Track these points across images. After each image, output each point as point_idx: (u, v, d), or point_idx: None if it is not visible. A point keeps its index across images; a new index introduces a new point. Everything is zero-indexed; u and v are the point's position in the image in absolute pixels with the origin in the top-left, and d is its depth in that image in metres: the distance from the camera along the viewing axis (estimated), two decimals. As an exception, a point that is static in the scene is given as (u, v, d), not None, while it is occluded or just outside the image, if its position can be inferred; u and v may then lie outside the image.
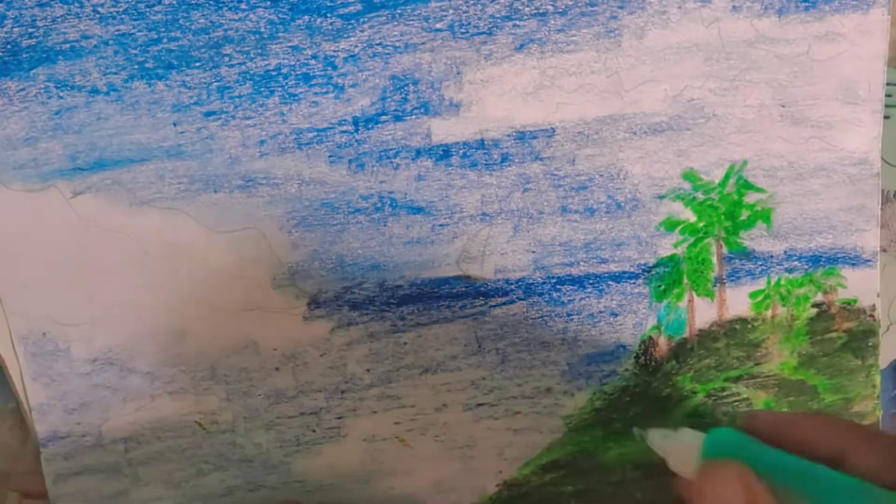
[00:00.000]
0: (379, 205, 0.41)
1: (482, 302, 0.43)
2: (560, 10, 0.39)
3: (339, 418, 0.44)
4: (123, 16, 0.38)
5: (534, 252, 0.42)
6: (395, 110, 0.40)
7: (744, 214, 0.42)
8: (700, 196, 0.42)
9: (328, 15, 0.39)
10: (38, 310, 0.41)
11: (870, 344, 0.44)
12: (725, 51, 0.40)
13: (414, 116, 0.40)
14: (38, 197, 0.40)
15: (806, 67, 0.40)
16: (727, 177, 0.42)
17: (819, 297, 0.44)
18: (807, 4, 0.40)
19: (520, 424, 0.44)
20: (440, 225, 0.42)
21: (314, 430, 0.44)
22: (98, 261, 0.41)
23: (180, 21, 0.38)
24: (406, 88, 0.40)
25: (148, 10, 0.38)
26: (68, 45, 0.38)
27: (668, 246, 0.43)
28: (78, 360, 0.42)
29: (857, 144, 0.41)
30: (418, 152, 0.41)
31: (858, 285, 0.43)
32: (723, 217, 0.42)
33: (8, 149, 0.39)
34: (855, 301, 0.44)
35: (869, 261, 0.43)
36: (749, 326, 0.43)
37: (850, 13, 0.40)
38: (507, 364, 0.43)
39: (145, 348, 0.42)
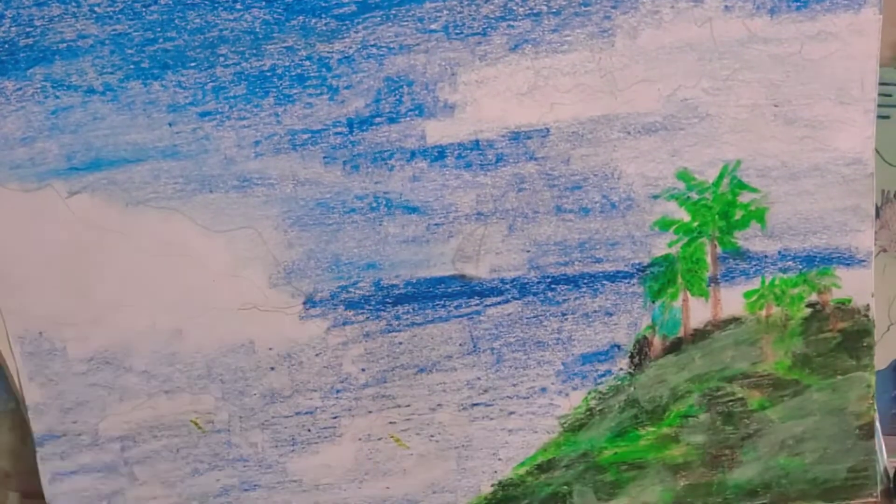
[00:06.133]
0: (374, 205, 0.41)
1: (477, 301, 0.43)
2: (554, 10, 0.39)
3: (335, 418, 0.44)
4: (120, 15, 0.38)
5: (529, 251, 0.42)
6: (389, 112, 0.40)
7: (738, 214, 0.42)
8: (694, 196, 0.42)
9: (323, 15, 0.39)
10: (33, 309, 0.41)
11: (864, 344, 0.44)
12: (718, 50, 0.40)
13: (409, 118, 0.40)
14: (34, 196, 0.40)
15: (799, 67, 0.40)
16: (721, 176, 0.42)
17: (813, 297, 0.43)
18: (798, 4, 0.40)
19: (515, 424, 0.44)
20: (435, 224, 0.42)
21: (309, 430, 0.44)
22: (94, 260, 0.41)
23: (176, 21, 0.39)
24: (400, 90, 0.40)
25: (144, 9, 0.38)
26: (65, 45, 0.38)
27: (662, 245, 0.43)
28: (74, 360, 0.42)
29: (851, 144, 0.41)
30: (413, 154, 0.41)
31: (853, 285, 0.43)
32: (717, 217, 0.42)
33: (4, 148, 0.39)
34: (849, 301, 0.44)
35: (863, 261, 0.43)
36: (743, 326, 0.43)
37: (841, 13, 0.40)
38: (502, 364, 0.44)
39: (141, 347, 0.42)
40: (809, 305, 0.44)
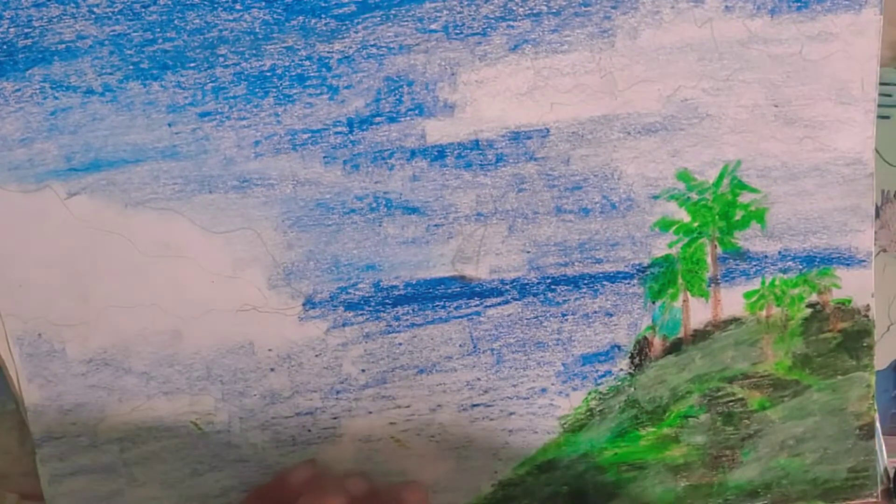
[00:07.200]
0: (374, 205, 0.41)
1: (477, 302, 0.43)
2: (554, 10, 0.39)
3: (335, 419, 0.44)
4: (119, 16, 0.38)
5: (529, 252, 0.42)
6: (389, 111, 0.40)
7: (738, 214, 0.42)
8: (694, 196, 0.42)
9: (322, 16, 0.39)
10: (33, 311, 0.41)
11: (864, 344, 0.44)
12: (718, 51, 0.40)
13: (408, 118, 0.40)
14: (33, 197, 0.40)
15: (799, 67, 0.40)
16: (721, 177, 0.42)
17: (813, 298, 0.44)
18: (799, 4, 0.40)
19: (515, 425, 0.44)
20: (435, 225, 0.42)
21: (309, 431, 0.44)
22: (93, 261, 0.41)
23: (175, 21, 0.38)
24: (400, 90, 0.40)
25: (143, 10, 0.38)
26: (64, 46, 0.38)
27: (662, 246, 0.43)
28: (73, 361, 0.42)
29: (851, 144, 0.42)
30: (413, 153, 0.41)
31: (853, 285, 0.43)
32: (717, 217, 0.42)
33: (3, 149, 0.39)
34: (849, 301, 0.44)
35: (863, 261, 0.43)
36: (744, 326, 0.44)
37: (842, 13, 0.40)
38: (502, 364, 0.44)
39: (140, 348, 0.42)
40: (809, 305, 0.44)
